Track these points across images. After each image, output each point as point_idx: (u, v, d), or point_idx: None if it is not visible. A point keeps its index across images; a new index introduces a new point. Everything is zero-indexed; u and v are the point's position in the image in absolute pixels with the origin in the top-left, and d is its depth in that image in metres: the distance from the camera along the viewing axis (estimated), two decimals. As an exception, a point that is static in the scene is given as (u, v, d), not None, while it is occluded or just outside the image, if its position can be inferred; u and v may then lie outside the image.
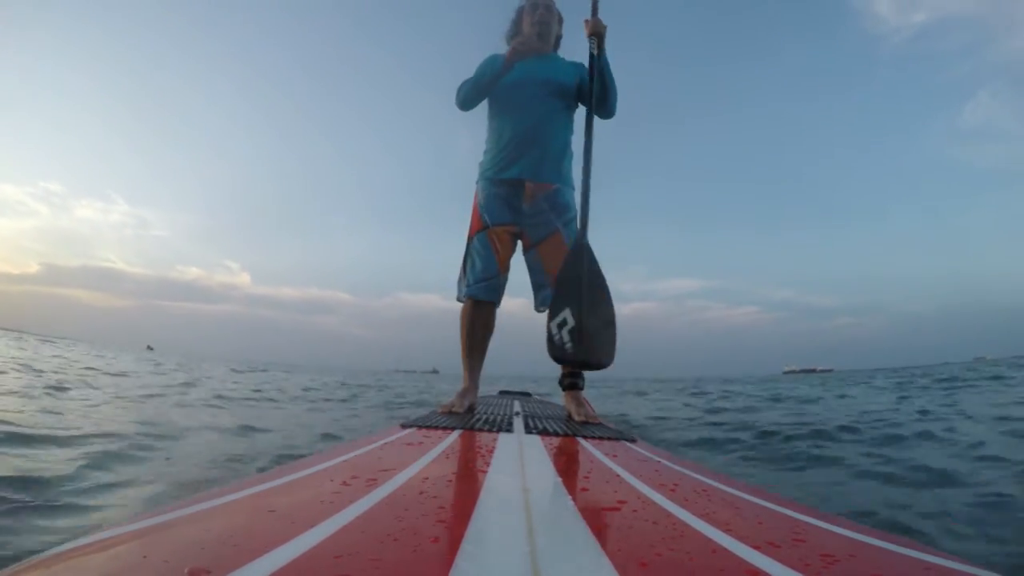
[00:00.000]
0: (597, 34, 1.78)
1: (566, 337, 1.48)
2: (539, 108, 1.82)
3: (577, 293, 1.50)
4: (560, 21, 2.02)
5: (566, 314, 1.49)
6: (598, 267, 1.55)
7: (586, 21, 1.81)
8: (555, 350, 1.51)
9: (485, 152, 1.94)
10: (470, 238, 1.89)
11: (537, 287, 1.87)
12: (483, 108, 1.96)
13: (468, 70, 1.88)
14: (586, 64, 1.98)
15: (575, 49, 2.02)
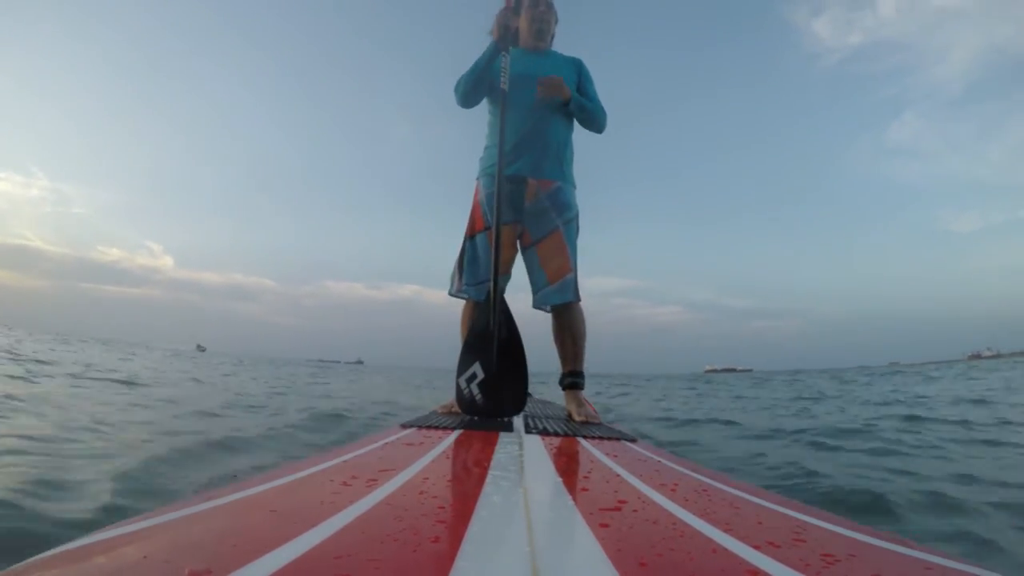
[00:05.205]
0: (564, 99, 1.78)
1: (475, 390, 1.52)
2: (539, 105, 1.81)
3: (487, 347, 1.53)
4: (556, 20, 2.02)
5: (475, 368, 1.53)
6: (512, 320, 1.57)
7: (541, 85, 1.76)
8: (465, 403, 1.54)
9: (486, 148, 1.93)
10: (471, 236, 1.87)
11: (536, 286, 1.86)
12: (483, 108, 1.95)
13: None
14: (583, 59, 1.97)
15: (569, 46, 2.02)
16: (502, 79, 1.74)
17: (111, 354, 15.65)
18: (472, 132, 2.03)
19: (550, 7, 1.96)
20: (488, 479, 0.73)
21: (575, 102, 1.84)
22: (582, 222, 1.89)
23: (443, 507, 0.57)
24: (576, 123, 1.96)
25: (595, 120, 1.92)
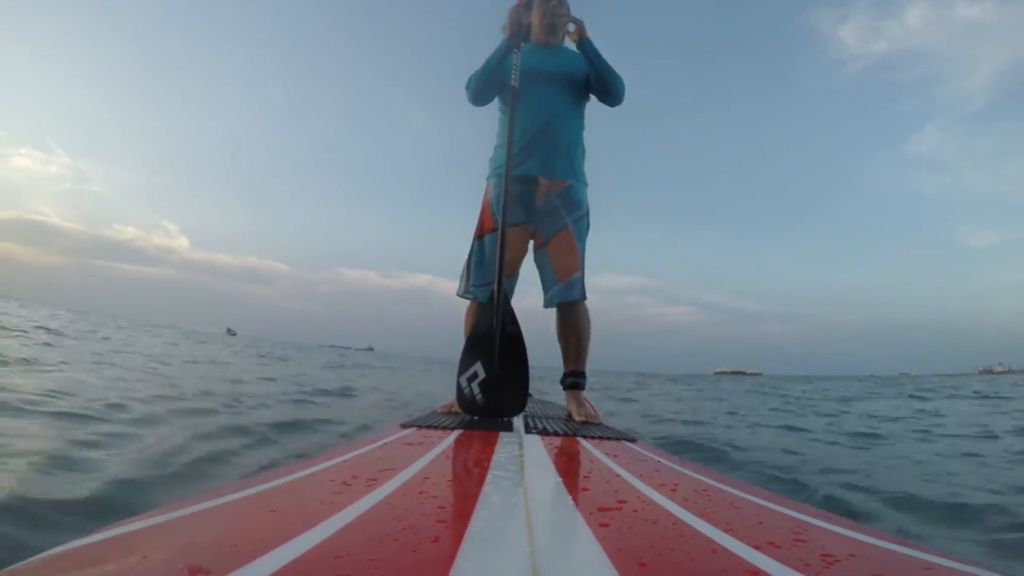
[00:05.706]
0: (580, 36, 1.86)
1: (476, 390, 1.51)
2: (550, 103, 1.79)
3: (489, 347, 1.52)
4: (568, 14, 2.00)
5: (477, 367, 1.52)
6: (515, 320, 1.55)
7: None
8: (465, 402, 1.53)
9: (496, 148, 1.90)
10: (479, 237, 1.85)
11: (546, 285, 1.84)
12: (494, 105, 1.92)
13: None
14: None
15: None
16: (513, 76, 1.72)
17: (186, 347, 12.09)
18: (485, 129, 1.99)
19: (562, 2, 1.91)
20: (488, 479, 0.73)
21: (591, 46, 1.82)
22: (593, 219, 1.87)
23: (443, 507, 0.57)
24: (587, 114, 1.92)
25: (611, 78, 1.85)
